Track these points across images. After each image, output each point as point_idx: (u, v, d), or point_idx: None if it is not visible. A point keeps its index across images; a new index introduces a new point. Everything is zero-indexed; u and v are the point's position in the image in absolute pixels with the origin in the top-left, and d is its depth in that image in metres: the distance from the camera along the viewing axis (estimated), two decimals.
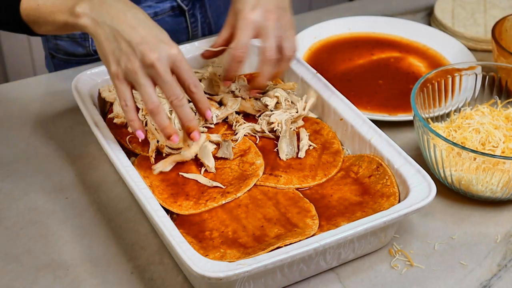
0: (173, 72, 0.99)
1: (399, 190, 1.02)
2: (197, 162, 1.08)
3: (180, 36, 1.46)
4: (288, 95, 1.16)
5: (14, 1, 1.06)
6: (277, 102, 1.14)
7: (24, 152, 1.19)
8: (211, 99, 1.16)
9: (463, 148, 1.03)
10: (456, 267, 1.01)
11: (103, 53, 0.99)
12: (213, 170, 1.06)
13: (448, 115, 1.19)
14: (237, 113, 1.16)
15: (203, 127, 1.13)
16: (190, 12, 1.44)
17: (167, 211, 0.99)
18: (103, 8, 0.99)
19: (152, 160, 1.06)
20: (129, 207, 1.09)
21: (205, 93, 1.16)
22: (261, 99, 1.14)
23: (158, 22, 1.40)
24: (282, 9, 1.11)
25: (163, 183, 1.04)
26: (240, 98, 1.15)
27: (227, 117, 1.15)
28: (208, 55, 1.17)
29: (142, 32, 0.97)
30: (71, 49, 1.43)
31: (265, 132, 1.12)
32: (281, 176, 1.06)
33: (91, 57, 1.42)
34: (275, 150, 1.11)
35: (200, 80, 1.19)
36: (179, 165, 1.07)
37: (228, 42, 1.12)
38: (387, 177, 1.04)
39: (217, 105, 1.16)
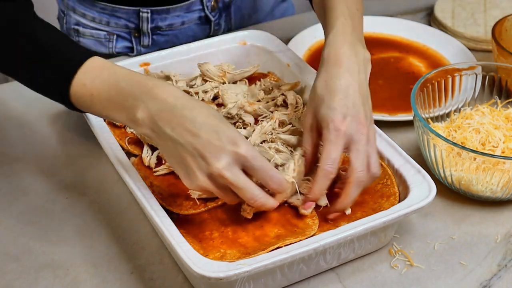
0: (247, 172, 0.91)
1: (399, 190, 1.02)
2: None
3: (199, 39, 1.46)
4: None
5: (63, 83, 0.95)
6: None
7: (24, 152, 1.19)
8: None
9: (463, 148, 1.03)
10: (456, 267, 1.01)
11: (174, 168, 0.93)
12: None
13: (448, 115, 1.19)
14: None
15: None
16: (216, 22, 1.45)
17: (167, 211, 0.99)
18: (163, 116, 0.89)
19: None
20: (129, 207, 1.09)
21: None
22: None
23: (184, 30, 1.41)
24: (370, 121, 0.99)
25: (163, 183, 1.04)
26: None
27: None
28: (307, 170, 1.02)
29: (204, 137, 0.88)
30: (94, 48, 1.43)
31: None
32: None
33: (114, 57, 1.42)
34: None
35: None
36: None
37: (314, 147, 1.01)
38: (387, 177, 1.04)
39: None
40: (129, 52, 1.43)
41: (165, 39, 1.43)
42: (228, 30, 1.48)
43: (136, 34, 1.41)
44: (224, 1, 1.44)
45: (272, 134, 1.10)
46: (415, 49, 1.43)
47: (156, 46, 1.42)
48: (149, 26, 1.39)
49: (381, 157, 1.06)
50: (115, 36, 1.41)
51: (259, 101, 1.18)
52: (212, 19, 1.43)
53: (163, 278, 0.98)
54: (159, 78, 1.22)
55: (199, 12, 1.42)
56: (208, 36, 1.46)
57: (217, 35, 1.45)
